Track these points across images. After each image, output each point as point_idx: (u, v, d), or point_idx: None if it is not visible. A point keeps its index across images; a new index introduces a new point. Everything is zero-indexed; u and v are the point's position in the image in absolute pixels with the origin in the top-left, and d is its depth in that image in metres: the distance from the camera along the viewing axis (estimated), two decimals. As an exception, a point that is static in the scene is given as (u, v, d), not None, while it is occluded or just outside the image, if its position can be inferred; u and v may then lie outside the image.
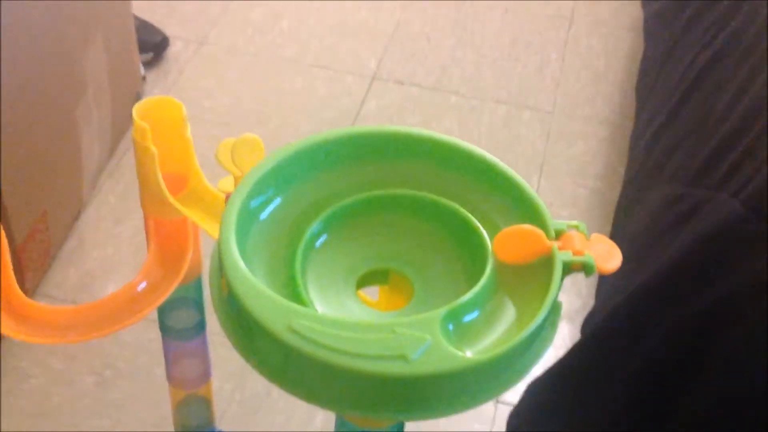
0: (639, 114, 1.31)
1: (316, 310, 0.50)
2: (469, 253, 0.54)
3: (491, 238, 0.53)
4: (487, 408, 1.15)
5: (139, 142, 0.59)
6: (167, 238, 0.65)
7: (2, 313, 0.58)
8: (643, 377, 0.82)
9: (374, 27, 1.74)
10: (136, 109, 0.59)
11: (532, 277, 0.51)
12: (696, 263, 0.78)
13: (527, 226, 0.52)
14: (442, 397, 0.47)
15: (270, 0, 1.77)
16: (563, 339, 1.18)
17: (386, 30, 1.73)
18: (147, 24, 1.59)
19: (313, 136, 0.57)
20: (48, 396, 1.13)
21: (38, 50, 1.11)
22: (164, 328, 0.75)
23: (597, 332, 0.87)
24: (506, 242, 0.52)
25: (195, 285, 0.71)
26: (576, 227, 0.52)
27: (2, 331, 0.58)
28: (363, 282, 0.54)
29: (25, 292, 0.60)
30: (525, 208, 0.54)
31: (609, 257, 0.51)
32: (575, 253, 0.50)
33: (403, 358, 0.45)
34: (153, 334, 0.78)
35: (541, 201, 0.54)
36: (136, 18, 1.47)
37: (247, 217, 0.53)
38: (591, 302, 1.07)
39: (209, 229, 0.62)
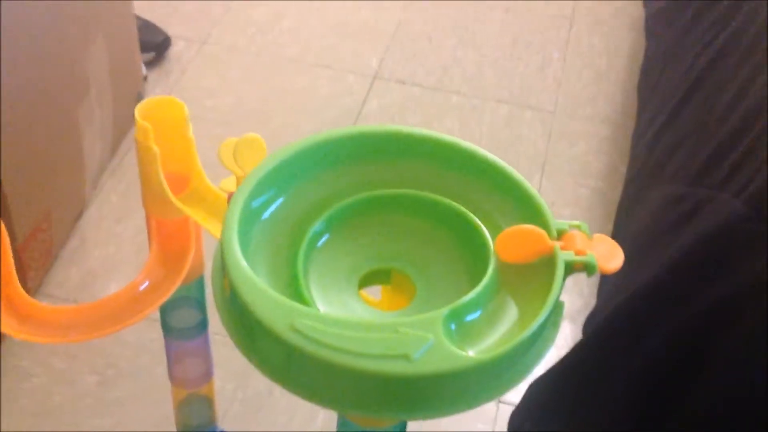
0: (640, 113, 1.31)
1: (319, 310, 0.50)
2: (471, 252, 0.54)
3: (493, 237, 0.53)
4: (489, 408, 1.15)
5: (141, 141, 0.60)
6: (169, 238, 0.65)
7: (4, 312, 0.58)
8: (644, 377, 0.82)
9: (375, 27, 1.74)
10: (139, 109, 0.59)
11: (534, 276, 0.51)
12: (697, 263, 0.78)
13: (529, 226, 0.52)
14: (445, 396, 0.47)
15: (272, 0, 1.77)
16: (565, 339, 1.18)
17: (388, 30, 1.73)
18: (149, 24, 1.60)
19: (315, 136, 0.57)
20: (49, 395, 1.13)
21: (40, 50, 1.11)
22: (166, 328, 0.75)
23: (598, 332, 0.87)
24: (508, 242, 0.52)
25: (197, 284, 0.71)
26: (578, 227, 0.52)
27: (4, 330, 0.58)
28: (365, 281, 0.54)
29: (27, 291, 0.60)
30: (527, 208, 0.54)
31: (611, 257, 0.51)
32: (577, 253, 0.50)
33: (405, 357, 0.45)
34: (155, 334, 0.79)
35: (543, 201, 0.54)
36: (138, 18, 1.47)
37: (250, 217, 0.53)
38: (592, 302, 1.08)
39: (211, 228, 0.62)
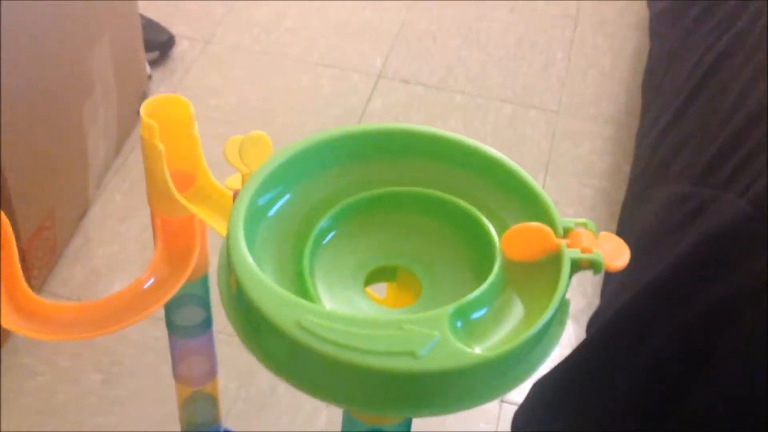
0: (645, 113, 1.30)
1: (324, 307, 0.50)
2: (476, 250, 0.54)
3: (499, 235, 0.53)
4: (492, 407, 1.15)
5: (146, 139, 0.60)
6: (174, 236, 0.65)
7: (8, 309, 0.58)
8: (648, 376, 0.82)
9: (380, 26, 1.74)
10: (144, 107, 0.59)
11: (540, 274, 0.51)
12: (702, 263, 0.78)
13: (535, 224, 0.52)
14: (450, 393, 0.47)
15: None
16: (569, 338, 1.18)
17: (392, 29, 1.73)
18: (153, 23, 1.60)
19: (321, 133, 0.57)
20: (53, 393, 1.13)
21: (44, 49, 1.11)
22: (170, 326, 0.75)
23: (602, 331, 0.87)
24: (514, 239, 0.52)
25: (201, 282, 0.71)
26: (584, 225, 0.52)
27: (8, 327, 0.58)
28: (371, 279, 0.54)
29: (31, 289, 0.60)
30: (533, 206, 0.54)
31: (617, 255, 0.51)
32: (583, 251, 0.50)
33: (411, 354, 0.45)
34: (159, 332, 0.79)
35: (549, 198, 0.54)
36: (142, 17, 1.47)
37: (255, 214, 0.53)
38: (596, 301, 1.08)
39: (216, 226, 0.62)
